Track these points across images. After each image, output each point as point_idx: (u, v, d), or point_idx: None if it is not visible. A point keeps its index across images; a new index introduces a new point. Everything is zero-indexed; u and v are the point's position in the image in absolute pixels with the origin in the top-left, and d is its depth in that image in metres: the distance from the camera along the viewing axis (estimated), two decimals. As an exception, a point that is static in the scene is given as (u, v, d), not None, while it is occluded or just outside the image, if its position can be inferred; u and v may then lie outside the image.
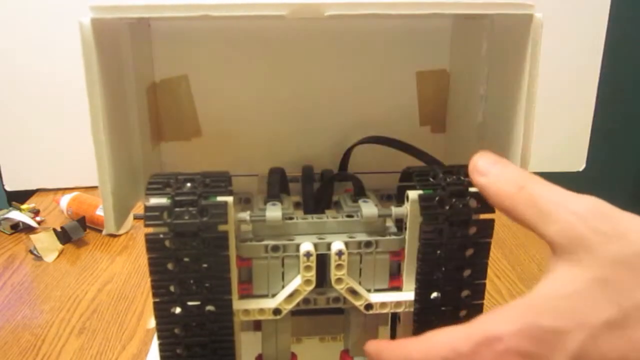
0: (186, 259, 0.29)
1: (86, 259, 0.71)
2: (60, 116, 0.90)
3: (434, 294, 0.32)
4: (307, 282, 0.32)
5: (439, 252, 0.31)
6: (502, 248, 0.74)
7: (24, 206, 0.82)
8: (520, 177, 0.27)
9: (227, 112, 0.42)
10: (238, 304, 0.32)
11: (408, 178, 0.33)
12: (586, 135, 1.03)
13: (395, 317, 0.37)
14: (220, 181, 0.30)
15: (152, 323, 0.31)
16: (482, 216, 0.31)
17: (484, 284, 0.32)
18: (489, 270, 0.32)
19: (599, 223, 0.24)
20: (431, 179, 0.31)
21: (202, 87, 0.41)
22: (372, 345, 0.29)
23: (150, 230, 0.29)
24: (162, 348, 0.31)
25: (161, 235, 0.29)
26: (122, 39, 0.34)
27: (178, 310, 0.30)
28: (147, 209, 0.29)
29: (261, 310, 0.32)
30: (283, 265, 0.32)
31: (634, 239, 0.23)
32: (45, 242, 0.72)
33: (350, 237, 0.33)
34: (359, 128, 0.42)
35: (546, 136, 0.94)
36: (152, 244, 0.29)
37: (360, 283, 0.33)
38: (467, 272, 0.32)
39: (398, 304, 0.33)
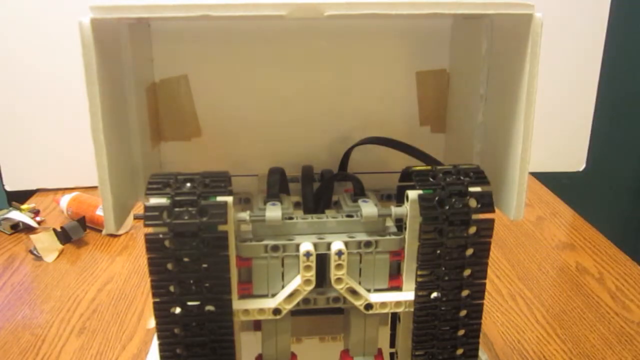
0: (186, 259, 0.29)
1: (86, 259, 0.71)
2: (60, 116, 0.90)
3: (434, 294, 0.32)
4: (307, 282, 0.32)
5: (439, 252, 0.31)
6: (502, 248, 0.74)
7: (24, 206, 0.82)
8: None
9: (227, 112, 0.42)
10: (238, 304, 0.32)
11: (408, 178, 0.33)
12: (586, 135, 1.03)
13: (395, 317, 0.37)
14: (220, 181, 0.30)
15: (152, 323, 0.31)
16: (482, 216, 0.31)
17: (484, 284, 0.32)
18: (489, 270, 0.32)
19: None
20: (431, 179, 0.31)
21: (202, 87, 0.41)
22: None
23: (150, 230, 0.29)
24: (162, 348, 0.31)
25: (161, 235, 0.29)
26: (121, 39, 0.34)
27: (178, 310, 0.30)
28: (147, 209, 0.29)
29: (261, 310, 0.32)
30: (283, 265, 0.32)
31: None
32: (45, 242, 0.72)
33: (350, 237, 0.33)
34: (358, 128, 0.42)
35: (546, 136, 0.94)
36: (152, 244, 0.29)
37: (360, 283, 0.33)
38: (467, 272, 0.32)
39: (398, 303, 0.33)
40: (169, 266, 0.29)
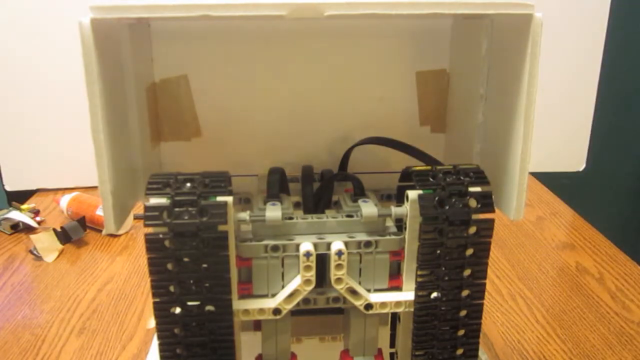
0: (186, 259, 0.29)
1: (86, 259, 0.71)
2: (60, 116, 0.90)
3: (434, 294, 0.32)
4: (307, 282, 0.32)
5: (439, 252, 0.31)
6: (502, 248, 0.74)
7: (24, 206, 0.82)
8: None
9: (227, 112, 0.42)
10: (238, 304, 0.32)
11: (408, 178, 0.33)
12: (586, 135, 1.03)
13: (395, 317, 0.37)
14: (220, 181, 0.30)
15: (152, 323, 0.31)
16: (482, 216, 0.31)
17: (484, 284, 0.32)
18: (489, 270, 0.32)
19: None
20: (431, 179, 0.31)
21: (202, 87, 0.41)
22: None
23: (150, 230, 0.29)
24: (162, 348, 0.31)
25: (161, 235, 0.29)
26: (121, 39, 0.34)
27: (178, 310, 0.30)
28: (147, 209, 0.29)
29: (261, 310, 0.32)
30: (283, 265, 0.32)
31: None
32: (45, 242, 0.72)
33: (350, 237, 0.33)
34: (358, 128, 0.42)
35: (546, 136, 0.94)
36: (152, 244, 0.29)
37: (360, 283, 0.33)
38: (467, 272, 0.32)
39: (398, 303, 0.33)
40: (169, 266, 0.29)
